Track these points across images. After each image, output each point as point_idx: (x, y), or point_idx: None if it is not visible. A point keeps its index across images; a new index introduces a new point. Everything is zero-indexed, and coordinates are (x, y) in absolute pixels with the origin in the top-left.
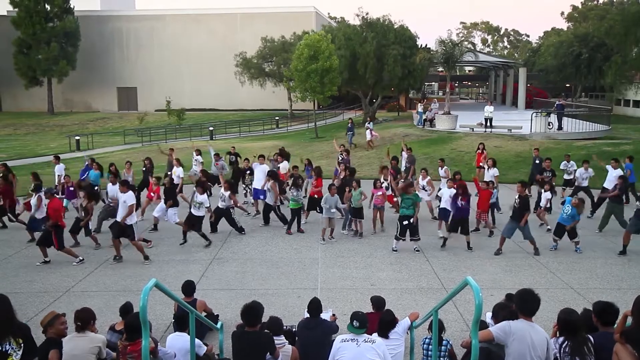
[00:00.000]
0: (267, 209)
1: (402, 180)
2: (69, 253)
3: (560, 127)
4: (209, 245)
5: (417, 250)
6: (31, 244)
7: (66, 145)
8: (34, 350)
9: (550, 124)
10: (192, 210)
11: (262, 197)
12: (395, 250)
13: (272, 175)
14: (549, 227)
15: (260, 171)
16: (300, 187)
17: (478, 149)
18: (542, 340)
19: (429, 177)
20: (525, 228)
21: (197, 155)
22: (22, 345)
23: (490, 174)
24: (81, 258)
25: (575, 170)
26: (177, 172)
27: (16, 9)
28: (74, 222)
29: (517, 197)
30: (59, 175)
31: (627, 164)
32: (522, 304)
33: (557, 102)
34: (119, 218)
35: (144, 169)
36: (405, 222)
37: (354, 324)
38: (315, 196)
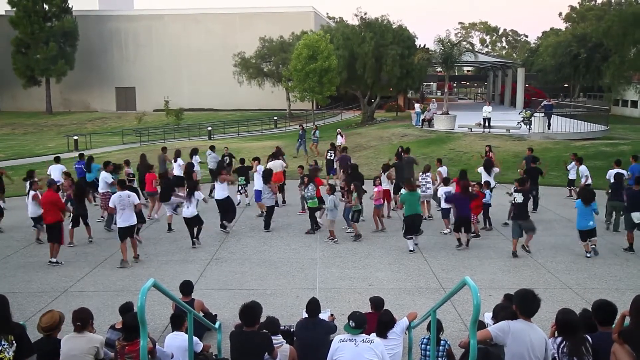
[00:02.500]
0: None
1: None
2: (56, 250)
3: (548, 127)
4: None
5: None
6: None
7: (64, 145)
8: (30, 349)
9: (547, 123)
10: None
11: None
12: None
13: (264, 176)
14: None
15: (259, 174)
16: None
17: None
18: (540, 341)
19: (430, 173)
20: (529, 221)
21: (194, 154)
22: (13, 343)
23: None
24: (57, 260)
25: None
26: (179, 163)
27: (14, 9)
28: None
29: (519, 194)
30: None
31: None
32: (522, 305)
33: (544, 102)
34: (120, 223)
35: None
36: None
37: (350, 324)
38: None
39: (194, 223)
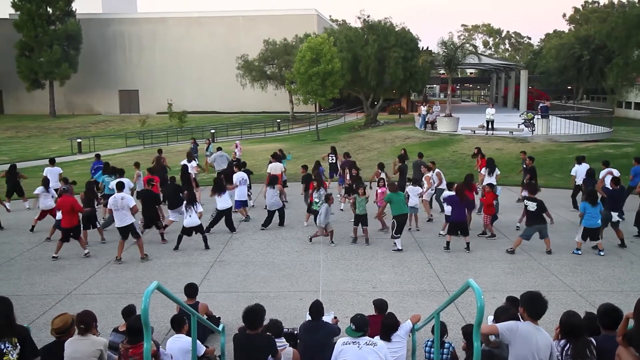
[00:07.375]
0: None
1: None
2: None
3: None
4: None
5: (399, 250)
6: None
7: (68, 148)
8: (34, 351)
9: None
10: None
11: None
12: (399, 250)
13: (271, 182)
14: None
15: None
16: (320, 187)
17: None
18: (546, 344)
19: (427, 174)
20: (545, 227)
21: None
22: (17, 345)
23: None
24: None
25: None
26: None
27: (18, 12)
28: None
29: (533, 203)
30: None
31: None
32: (530, 307)
33: (540, 104)
34: (118, 223)
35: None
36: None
37: (351, 326)
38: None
39: (196, 231)
